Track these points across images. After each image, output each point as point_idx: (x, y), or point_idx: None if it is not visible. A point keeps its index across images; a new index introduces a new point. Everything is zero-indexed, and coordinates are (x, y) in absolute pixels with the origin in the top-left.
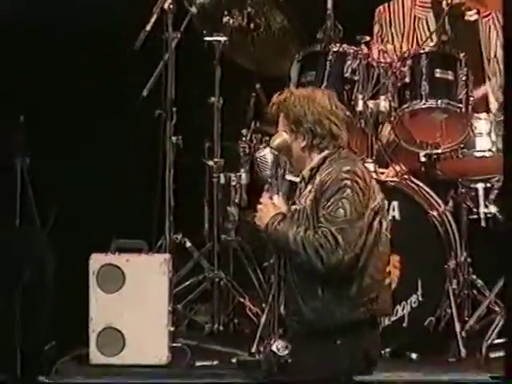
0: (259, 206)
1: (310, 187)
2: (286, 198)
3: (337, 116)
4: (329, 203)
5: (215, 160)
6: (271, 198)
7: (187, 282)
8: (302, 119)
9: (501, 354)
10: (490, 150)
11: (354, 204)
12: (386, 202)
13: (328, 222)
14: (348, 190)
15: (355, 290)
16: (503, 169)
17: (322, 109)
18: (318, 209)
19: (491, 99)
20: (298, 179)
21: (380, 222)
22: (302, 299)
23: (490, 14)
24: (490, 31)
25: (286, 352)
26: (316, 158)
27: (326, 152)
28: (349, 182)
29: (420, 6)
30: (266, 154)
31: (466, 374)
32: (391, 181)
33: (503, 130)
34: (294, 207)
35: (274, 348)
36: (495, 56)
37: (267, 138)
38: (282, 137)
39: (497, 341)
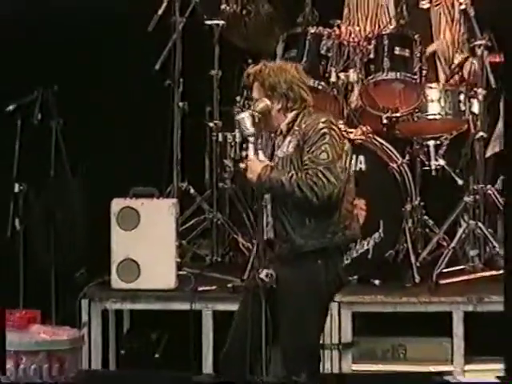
0: (248, 163)
1: (289, 138)
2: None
3: (304, 83)
4: (313, 148)
5: (214, 122)
6: (256, 154)
7: (191, 222)
8: (277, 86)
9: (448, 281)
10: (439, 114)
11: (334, 147)
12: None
13: (315, 163)
14: (327, 137)
15: (336, 219)
16: None
17: (292, 77)
18: (302, 154)
19: (440, 72)
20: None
21: (350, 163)
22: (292, 228)
23: (440, 4)
24: (439, 17)
25: (270, 279)
26: (289, 115)
27: (297, 111)
28: (327, 130)
29: None
30: (245, 117)
31: (419, 296)
32: (359, 139)
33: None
34: (278, 156)
35: (262, 275)
36: (444, 37)
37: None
38: (264, 102)
39: (445, 270)
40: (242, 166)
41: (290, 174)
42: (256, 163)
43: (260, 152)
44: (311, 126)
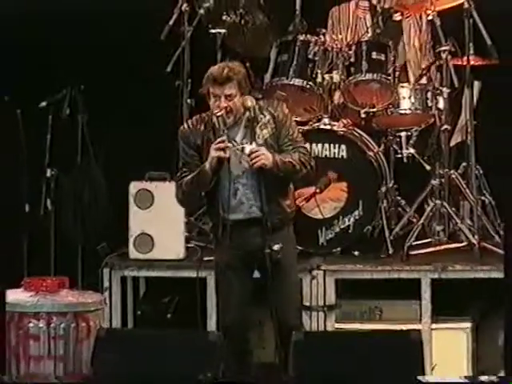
0: (260, 152)
1: (260, 124)
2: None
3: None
4: (291, 131)
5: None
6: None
7: None
8: (245, 83)
9: (417, 252)
10: (410, 109)
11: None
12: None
13: (298, 142)
14: (293, 120)
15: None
16: None
17: (245, 73)
18: (280, 137)
19: (410, 74)
20: None
21: None
22: (283, 201)
23: (410, 16)
24: (409, 27)
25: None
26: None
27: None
28: (290, 114)
29: (361, 9)
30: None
31: (392, 265)
32: (341, 130)
33: None
34: (257, 143)
35: (275, 248)
36: (413, 45)
37: None
38: (251, 98)
39: (414, 243)
40: (246, 151)
41: (296, 155)
42: (265, 151)
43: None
44: (282, 112)
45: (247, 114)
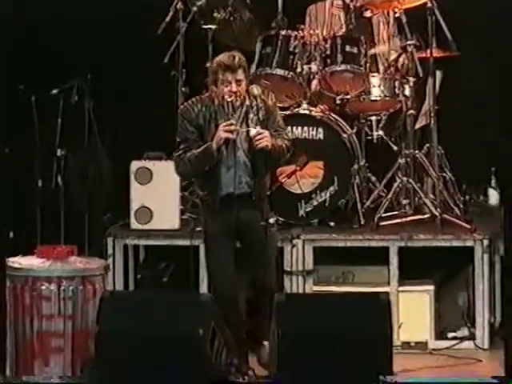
0: (264, 135)
1: (254, 109)
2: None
3: None
4: (278, 118)
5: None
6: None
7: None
8: (248, 70)
9: (385, 223)
10: (379, 96)
11: None
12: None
13: (282, 129)
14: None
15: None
16: None
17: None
18: (269, 123)
19: (379, 64)
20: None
21: None
22: (266, 177)
23: (379, 13)
24: (379, 23)
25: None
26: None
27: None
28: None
29: (335, 7)
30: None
31: (364, 234)
32: (318, 115)
33: None
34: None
35: (271, 221)
36: (382, 39)
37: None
38: (257, 86)
39: (383, 215)
40: (252, 133)
41: (285, 141)
42: (268, 134)
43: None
44: (271, 101)
45: (247, 100)
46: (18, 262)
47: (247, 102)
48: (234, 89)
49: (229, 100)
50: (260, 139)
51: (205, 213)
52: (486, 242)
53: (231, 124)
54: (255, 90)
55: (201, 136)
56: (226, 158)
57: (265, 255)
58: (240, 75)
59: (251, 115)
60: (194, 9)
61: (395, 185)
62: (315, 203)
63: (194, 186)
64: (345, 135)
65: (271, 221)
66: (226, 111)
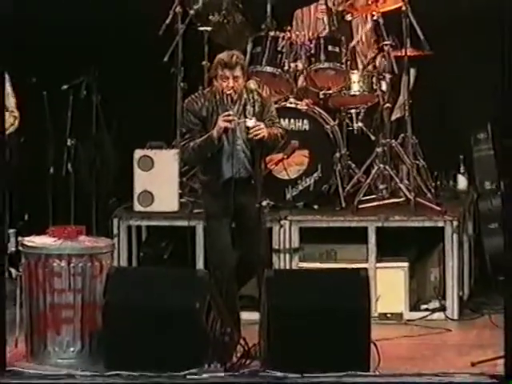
0: (261, 127)
1: (251, 102)
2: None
3: None
4: (272, 109)
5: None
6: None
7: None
8: (246, 68)
9: (364, 206)
10: (358, 91)
11: None
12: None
13: (276, 118)
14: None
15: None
16: None
17: None
18: (263, 113)
19: (358, 62)
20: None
21: None
22: (262, 164)
23: (359, 16)
24: (358, 25)
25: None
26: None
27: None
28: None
29: (319, 11)
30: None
31: (345, 216)
32: (304, 108)
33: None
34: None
35: (263, 203)
36: (361, 39)
37: None
38: (254, 82)
39: (363, 198)
40: (249, 124)
41: (279, 129)
42: (263, 125)
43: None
44: (266, 94)
45: (244, 94)
46: (32, 241)
47: (244, 96)
48: (231, 84)
49: (228, 93)
50: (257, 130)
51: (206, 196)
52: (455, 223)
53: (229, 115)
54: (252, 84)
55: (204, 127)
56: (227, 146)
57: (259, 233)
58: (237, 72)
59: (248, 107)
60: (192, 12)
61: (373, 171)
62: (301, 188)
63: (191, 173)
64: (328, 126)
65: (264, 203)
66: (226, 104)
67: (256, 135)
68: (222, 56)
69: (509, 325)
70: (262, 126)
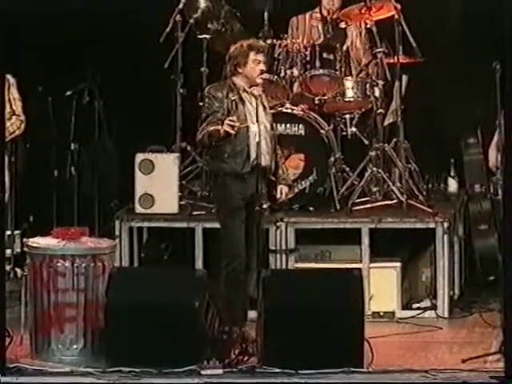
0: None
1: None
2: None
3: None
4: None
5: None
6: None
7: (188, 169)
8: None
9: (358, 208)
10: (352, 97)
11: None
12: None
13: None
14: None
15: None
16: None
17: None
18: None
19: (352, 69)
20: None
21: None
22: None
23: (352, 24)
24: (352, 33)
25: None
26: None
27: None
28: None
29: (314, 19)
30: None
31: (339, 218)
32: (299, 113)
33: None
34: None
35: (264, 206)
36: (355, 47)
37: None
38: (258, 88)
39: (356, 200)
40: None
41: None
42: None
43: None
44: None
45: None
46: (36, 242)
47: (260, 93)
48: (264, 67)
49: (260, 78)
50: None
51: (225, 184)
52: (446, 225)
53: (233, 121)
54: (255, 91)
55: (227, 113)
56: (253, 133)
57: (259, 232)
58: (264, 57)
59: (263, 104)
60: (191, 21)
61: (367, 174)
62: (296, 190)
63: (191, 176)
64: (323, 131)
65: (264, 206)
66: (245, 98)
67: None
68: (253, 42)
69: (509, 324)
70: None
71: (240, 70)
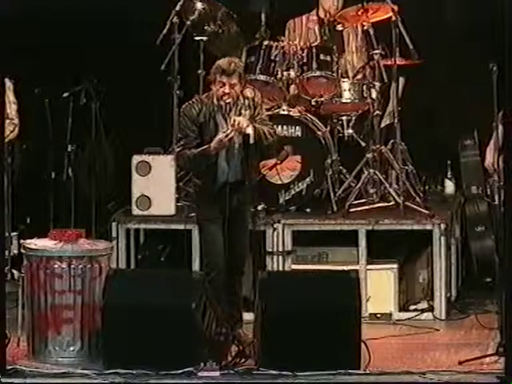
0: (239, 119)
1: (246, 106)
2: None
3: None
4: (262, 111)
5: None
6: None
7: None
8: (243, 75)
9: (355, 209)
10: (349, 99)
11: None
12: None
13: (265, 121)
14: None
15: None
16: None
17: None
18: (255, 115)
19: (349, 71)
20: None
21: None
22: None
23: (349, 26)
24: (349, 35)
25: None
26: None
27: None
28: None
29: (311, 21)
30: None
31: (336, 220)
32: (296, 115)
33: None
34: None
35: (259, 208)
36: (352, 49)
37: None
38: (251, 90)
39: (353, 202)
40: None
41: (268, 127)
42: (242, 119)
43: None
44: (257, 97)
45: (241, 100)
46: (33, 243)
47: (241, 101)
48: (227, 90)
49: (227, 101)
50: (238, 123)
51: (201, 200)
52: (443, 226)
53: (228, 135)
54: (248, 92)
55: (200, 133)
56: (224, 151)
57: (251, 236)
58: (234, 79)
59: (243, 111)
60: (188, 22)
61: (363, 176)
62: (293, 192)
63: (187, 177)
64: (319, 133)
65: (259, 208)
66: (222, 110)
67: (240, 128)
68: (221, 62)
69: (508, 325)
70: (239, 118)
71: (211, 87)
